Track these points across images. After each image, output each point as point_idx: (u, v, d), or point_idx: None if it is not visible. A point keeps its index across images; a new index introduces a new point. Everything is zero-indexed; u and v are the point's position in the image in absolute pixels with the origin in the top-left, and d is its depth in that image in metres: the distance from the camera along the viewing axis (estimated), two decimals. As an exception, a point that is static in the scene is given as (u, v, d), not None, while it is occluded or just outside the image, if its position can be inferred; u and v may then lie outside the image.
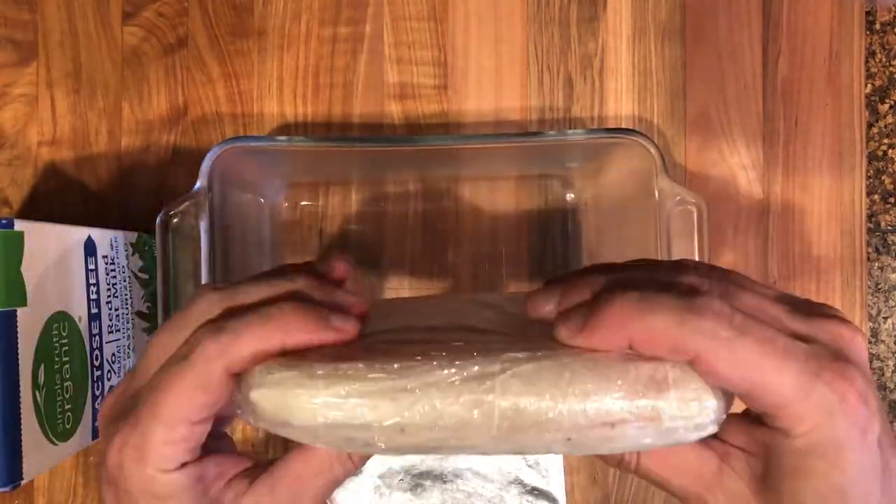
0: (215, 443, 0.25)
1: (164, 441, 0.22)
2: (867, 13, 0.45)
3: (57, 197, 0.43)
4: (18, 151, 0.43)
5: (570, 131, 0.41)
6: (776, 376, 0.20)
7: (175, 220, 0.36)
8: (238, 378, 0.23)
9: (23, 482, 0.30)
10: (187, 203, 0.36)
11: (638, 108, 0.43)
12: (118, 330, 0.37)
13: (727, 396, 0.22)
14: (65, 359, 0.32)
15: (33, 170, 0.43)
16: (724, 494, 0.23)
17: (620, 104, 0.43)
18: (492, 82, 0.43)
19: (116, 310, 0.37)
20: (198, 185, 0.36)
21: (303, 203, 0.43)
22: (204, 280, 0.36)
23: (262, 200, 0.43)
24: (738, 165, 0.43)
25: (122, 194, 0.43)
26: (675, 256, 0.37)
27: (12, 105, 0.43)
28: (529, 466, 0.43)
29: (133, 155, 0.43)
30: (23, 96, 0.43)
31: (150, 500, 0.23)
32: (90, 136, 0.43)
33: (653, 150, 0.36)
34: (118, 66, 0.43)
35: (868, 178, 0.44)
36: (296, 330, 0.23)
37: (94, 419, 0.35)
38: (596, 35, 0.44)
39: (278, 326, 0.22)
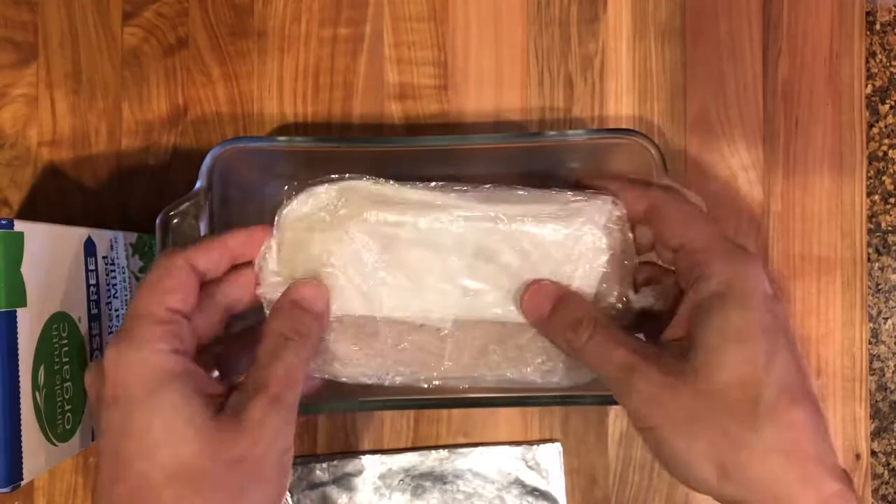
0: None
1: (150, 322, 0.27)
2: (867, 13, 0.45)
3: (57, 197, 0.43)
4: (18, 152, 0.43)
5: (570, 131, 0.41)
6: (706, 232, 0.29)
7: (175, 221, 0.36)
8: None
9: (23, 483, 0.30)
10: (187, 203, 0.36)
11: (638, 109, 0.43)
12: (118, 330, 0.37)
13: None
14: (65, 359, 0.32)
15: (33, 170, 0.43)
16: (646, 381, 0.27)
17: (621, 105, 0.43)
18: (492, 83, 0.43)
19: (116, 310, 0.37)
20: (198, 185, 0.36)
21: (285, 188, 0.43)
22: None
23: (262, 201, 0.43)
24: (739, 166, 0.43)
25: (122, 195, 0.43)
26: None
27: (12, 105, 0.43)
28: (530, 467, 0.43)
29: (133, 155, 0.43)
30: (22, 97, 0.43)
31: (147, 389, 0.25)
32: (90, 137, 0.43)
33: (653, 151, 0.36)
34: (118, 66, 0.43)
35: (868, 178, 0.44)
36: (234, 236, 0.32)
37: (94, 420, 0.35)
38: (596, 36, 0.44)
39: (224, 237, 0.31)
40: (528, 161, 0.41)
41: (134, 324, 0.27)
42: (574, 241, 0.33)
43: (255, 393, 0.26)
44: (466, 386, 0.35)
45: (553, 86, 0.43)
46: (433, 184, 0.34)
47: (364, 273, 0.33)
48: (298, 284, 0.31)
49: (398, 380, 0.34)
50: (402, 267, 0.33)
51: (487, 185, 0.34)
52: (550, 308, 0.31)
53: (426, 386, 0.34)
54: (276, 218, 0.33)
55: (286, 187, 0.34)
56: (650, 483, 0.43)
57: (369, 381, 0.34)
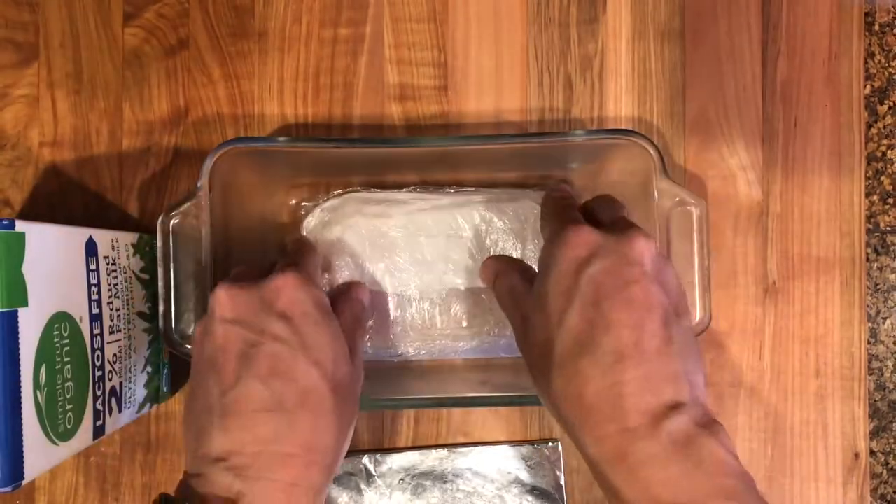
0: None
1: (315, 265, 0.36)
2: (866, 14, 0.45)
3: (58, 198, 0.43)
4: (20, 152, 0.43)
5: (570, 132, 0.42)
6: (546, 228, 0.34)
7: (176, 221, 0.36)
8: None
9: (24, 482, 0.30)
10: (188, 203, 0.36)
11: (637, 110, 0.44)
12: (119, 330, 0.37)
13: None
14: (66, 359, 0.32)
15: (34, 170, 0.43)
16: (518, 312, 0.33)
17: (620, 105, 0.44)
18: (492, 83, 0.44)
19: (117, 310, 0.37)
20: (199, 185, 0.36)
21: (303, 203, 0.43)
22: (208, 280, 0.36)
23: (263, 201, 0.43)
24: (738, 166, 0.44)
25: (123, 195, 0.43)
26: (675, 257, 0.37)
27: (13, 106, 0.43)
28: (529, 467, 0.43)
29: (134, 156, 0.43)
30: (24, 97, 0.43)
31: (324, 313, 0.32)
32: (91, 137, 0.43)
33: (652, 151, 0.36)
34: (119, 67, 0.43)
35: (867, 178, 0.44)
36: None
37: (95, 419, 0.35)
38: (596, 36, 0.44)
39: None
40: (528, 162, 0.42)
41: (302, 260, 0.34)
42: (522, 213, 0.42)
43: (351, 347, 0.33)
44: (464, 347, 0.42)
45: (553, 86, 0.44)
46: (412, 188, 0.43)
47: (365, 257, 0.42)
48: (357, 287, 0.38)
49: (410, 350, 0.42)
50: (398, 250, 0.42)
51: (452, 189, 0.43)
52: (493, 277, 0.36)
53: (422, 354, 0.42)
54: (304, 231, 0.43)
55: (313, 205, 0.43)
56: (649, 482, 0.43)
57: (383, 355, 0.42)
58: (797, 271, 0.43)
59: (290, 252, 0.37)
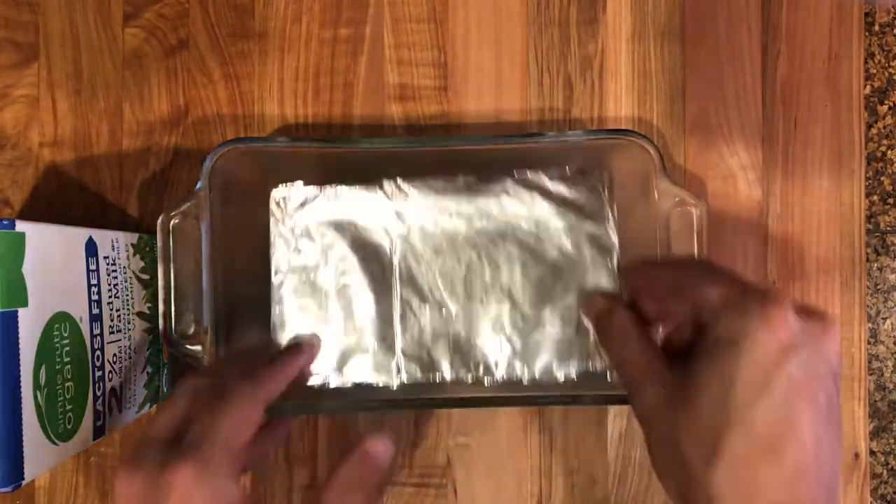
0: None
1: (229, 457, 0.29)
2: (866, 14, 0.45)
3: (58, 197, 0.43)
4: (20, 152, 0.43)
5: (569, 132, 0.42)
6: (726, 290, 0.27)
7: (176, 221, 0.36)
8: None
9: (24, 483, 0.30)
10: (188, 204, 0.36)
11: (637, 110, 0.44)
12: (119, 330, 0.37)
13: None
14: (66, 359, 0.32)
15: (34, 170, 0.43)
16: (658, 385, 0.28)
17: (620, 105, 0.44)
18: (492, 84, 0.44)
19: (118, 310, 0.37)
20: (199, 185, 0.36)
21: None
22: (205, 280, 0.36)
23: (263, 201, 0.43)
24: (738, 166, 0.44)
25: (123, 195, 0.43)
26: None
27: (13, 106, 0.43)
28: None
29: (134, 156, 0.43)
30: (24, 97, 0.43)
31: None
32: (91, 137, 0.43)
33: (652, 151, 0.36)
34: (119, 67, 0.43)
35: (867, 178, 0.44)
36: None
37: (96, 419, 0.35)
38: (596, 37, 0.44)
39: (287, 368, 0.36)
40: (528, 162, 0.42)
41: (214, 454, 0.29)
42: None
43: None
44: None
45: (553, 86, 0.44)
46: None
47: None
48: (371, 440, 0.33)
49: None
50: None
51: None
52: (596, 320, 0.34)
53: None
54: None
55: None
56: (650, 482, 0.43)
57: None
58: (797, 271, 0.43)
59: (257, 373, 0.33)
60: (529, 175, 0.41)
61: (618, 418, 0.43)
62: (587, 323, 0.38)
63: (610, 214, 0.40)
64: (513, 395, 0.38)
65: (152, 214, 0.43)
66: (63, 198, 0.43)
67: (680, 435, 0.26)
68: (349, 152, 0.38)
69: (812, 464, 0.24)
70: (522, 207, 0.41)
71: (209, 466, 0.28)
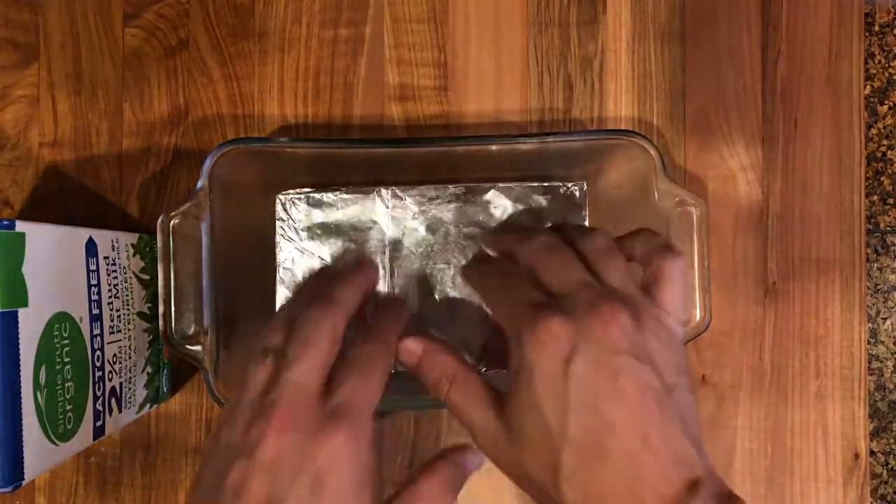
0: None
1: (367, 419, 0.28)
2: (866, 15, 0.45)
3: (58, 198, 0.43)
4: (20, 152, 0.43)
5: (570, 133, 0.42)
6: (502, 317, 0.30)
7: (176, 221, 0.36)
8: None
9: (24, 483, 0.30)
10: (188, 204, 0.36)
11: (637, 110, 0.44)
12: (119, 331, 0.37)
13: None
14: (66, 359, 0.32)
15: (34, 171, 0.43)
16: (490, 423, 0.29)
17: (620, 106, 0.44)
18: (492, 84, 0.44)
19: (117, 311, 0.37)
20: (199, 185, 0.36)
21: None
22: (205, 280, 0.36)
23: (263, 201, 0.43)
24: (738, 167, 0.44)
25: (123, 195, 0.43)
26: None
27: (13, 106, 0.43)
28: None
29: (134, 156, 0.43)
30: (24, 97, 0.43)
31: (358, 485, 0.27)
32: (91, 138, 0.43)
33: (652, 152, 0.36)
34: (119, 67, 0.43)
35: (867, 179, 0.44)
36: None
37: (95, 419, 0.35)
38: (596, 37, 0.44)
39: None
40: (527, 163, 0.42)
41: (362, 419, 0.27)
42: None
43: None
44: None
45: (553, 87, 0.44)
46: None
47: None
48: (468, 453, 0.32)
49: None
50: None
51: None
52: (416, 361, 0.32)
53: None
54: None
55: None
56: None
57: None
58: (797, 271, 0.43)
59: (371, 333, 0.31)
60: (513, 186, 0.43)
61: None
62: None
63: (586, 223, 0.43)
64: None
65: (152, 214, 0.43)
66: (63, 198, 0.43)
67: (524, 467, 0.28)
68: (348, 152, 0.38)
69: (639, 445, 0.25)
70: (505, 216, 0.43)
71: (358, 431, 0.27)
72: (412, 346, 0.31)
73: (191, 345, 0.36)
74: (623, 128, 0.43)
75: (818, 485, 0.43)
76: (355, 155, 0.38)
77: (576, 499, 0.26)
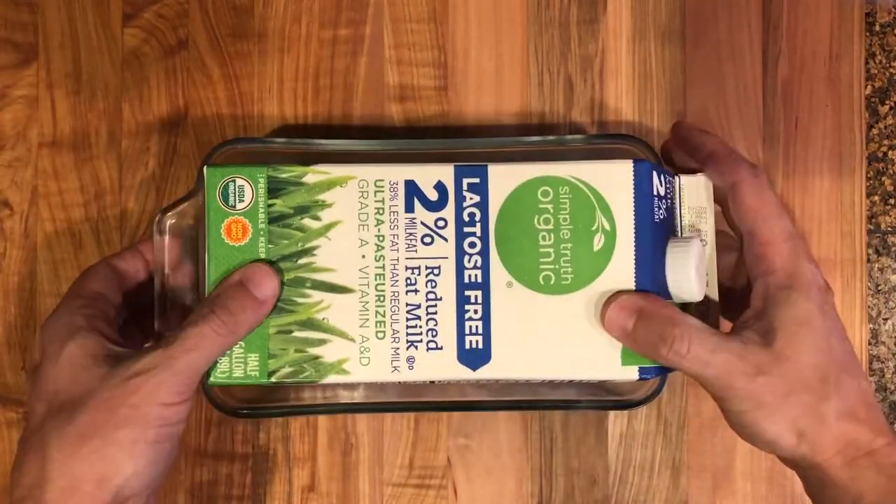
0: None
1: (68, 298, 0.34)
2: (867, 15, 0.45)
3: (57, 199, 0.43)
4: (19, 153, 0.43)
5: (568, 137, 0.41)
6: (777, 227, 0.32)
7: (172, 221, 0.36)
8: None
9: None
10: (185, 204, 0.36)
11: (638, 110, 0.43)
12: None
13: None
14: None
15: (34, 171, 0.43)
16: (743, 378, 0.31)
17: (620, 106, 0.43)
18: (492, 84, 0.43)
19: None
20: (196, 186, 0.36)
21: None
22: (201, 280, 0.36)
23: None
24: (738, 167, 0.43)
25: (123, 196, 0.43)
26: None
27: (12, 106, 0.43)
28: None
29: (133, 156, 0.43)
30: (23, 98, 0.43)
31: (57, 344, 0.31)
32: (90, 138, 0.43)
33: (650, 156, 0.36)
34: (118, 67, 0.43)
35: (868, 179, 0.44)
36: None
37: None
38: (596, 37, 0.44)
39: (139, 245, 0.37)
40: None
41: (60, 302, 0.33)
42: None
43: (151, 349, 0.30)
44: None
45: (553, 87, 0.43)
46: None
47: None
48: (248, 266, 0.33)
49: None
50: None
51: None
52: (633, 322, 0.32)
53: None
54: None
55: None
56: (650, 483, 0.43)
57: None
58: (798, 272, 0.43)
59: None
60: None
61: (618, 419, 0.43)
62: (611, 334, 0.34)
63: None
64: (509, 399, 0.38)
65: (151, 214, 0.43)
66: (62, 198, 0.43)
67: (793, 384, 0.30)
68: (345, 153, 0.38)
69: (857, 369, 0.32)
70: None
71: (54, 312, 0.33)
72: (623, 312, 0.33)
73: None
74: (624, 128, 0.43)
75: (819, 486, 0.43)
76: (352, 156, 0.38)
77: (839, 405, 0.30)
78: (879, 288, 0.45)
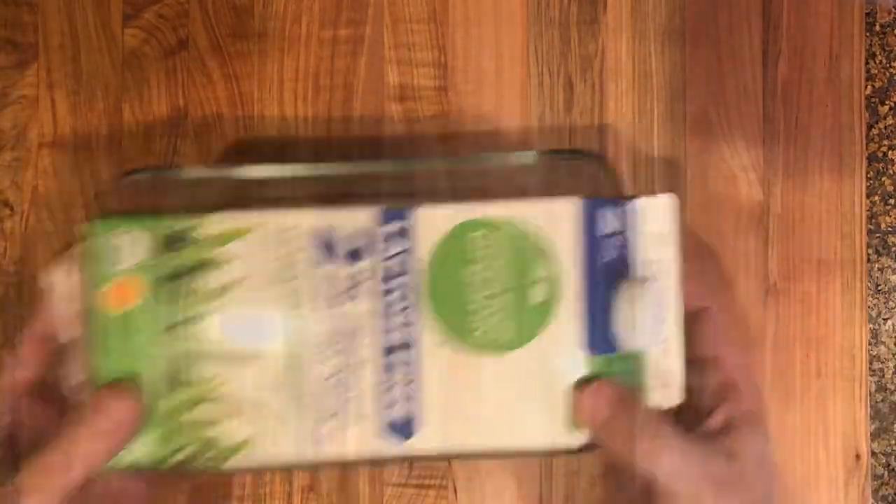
0: None
1: None
2: (867, 14, 0.45)
3: (57, 199, 0.43)
4: (19, 153, 0.43)
5: (517, 153, 0.38)
6: (742, 360, 0.33)
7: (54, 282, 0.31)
8: None
9: None
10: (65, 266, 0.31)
11: (638, 110, 0.43)
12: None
13: None
14: None
15: (34, 171, 0.43)
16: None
17: (620, 106, 0.43)
18: (492, 84, 0.43)
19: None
20: (78, 240, 0.31)
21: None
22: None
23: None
24: (739, 167, 0.43)
25: (124, 196, 0.43)
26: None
27: (12, 107, 0.43)
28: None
29: (134, 157, 0.43)
30: (23, 98, 0.43)
31: None
32: (91, 138, 0.43)
33: (606, 174, 0.34)
34: (118, 67, 0.43)
35: (868, 179, 0.44)
36: None
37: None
38: (596, 37, 0.44)
39: None
40: (477, 179, 0.38)
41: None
42: None
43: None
44: None
45: (553, 87, 0.43)
46: None
47: None
48: (100, 391, 0.30)
49: None
50: None
51: None
52: (609, 414, 0.31)
53: None
54: None
55: None
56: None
57: None
58: (798, 272, 0.43)
59: None
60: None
61: (618, 419, 0.43)
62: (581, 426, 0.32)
63: None
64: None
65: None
66: (63, 199, 0.43)
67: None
68: (268, 179, 0.34)
69: None
70: None
71: None
72: (601, 400, 0.31)
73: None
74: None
75: (819, 486, 0.43)
76: (275, 185, 0.34)
77: None
78: (879, 288, 0.45)
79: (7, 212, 0.43)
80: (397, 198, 0.32)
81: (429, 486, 0.43)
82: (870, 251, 0.45)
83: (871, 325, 0.45)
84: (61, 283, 0.30)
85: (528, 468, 0.43)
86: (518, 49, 0.44)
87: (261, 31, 0.43)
